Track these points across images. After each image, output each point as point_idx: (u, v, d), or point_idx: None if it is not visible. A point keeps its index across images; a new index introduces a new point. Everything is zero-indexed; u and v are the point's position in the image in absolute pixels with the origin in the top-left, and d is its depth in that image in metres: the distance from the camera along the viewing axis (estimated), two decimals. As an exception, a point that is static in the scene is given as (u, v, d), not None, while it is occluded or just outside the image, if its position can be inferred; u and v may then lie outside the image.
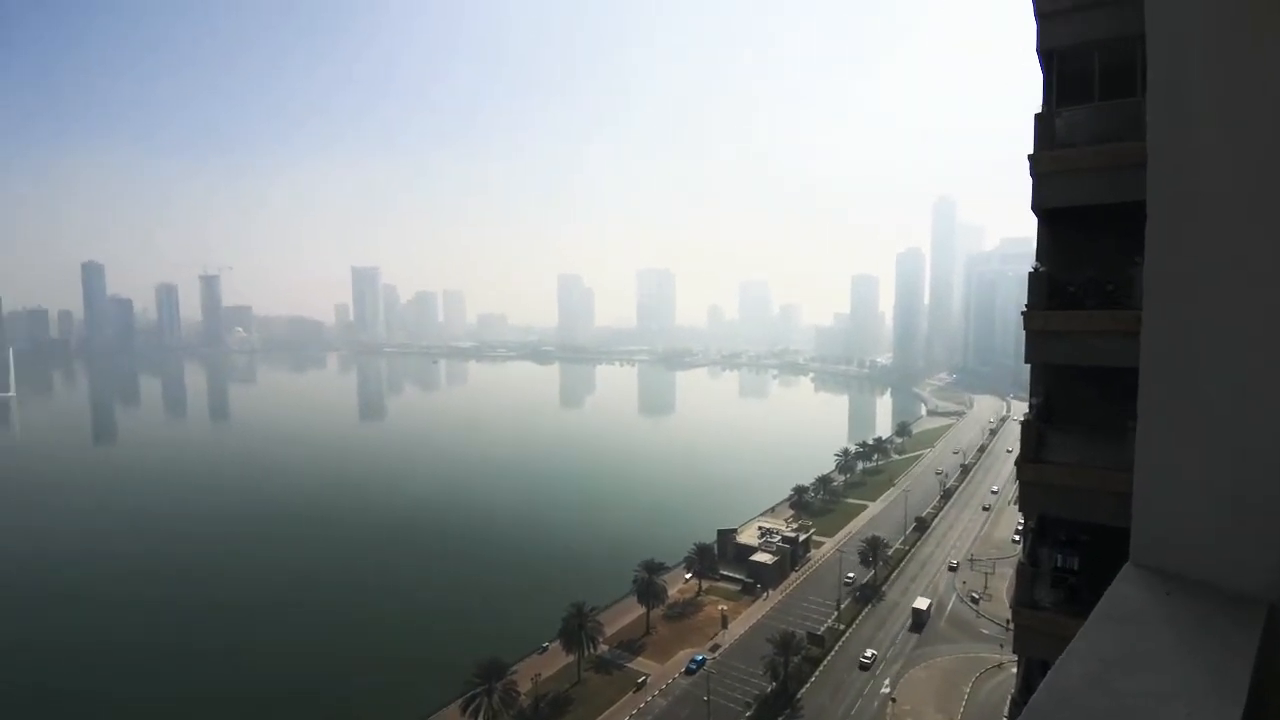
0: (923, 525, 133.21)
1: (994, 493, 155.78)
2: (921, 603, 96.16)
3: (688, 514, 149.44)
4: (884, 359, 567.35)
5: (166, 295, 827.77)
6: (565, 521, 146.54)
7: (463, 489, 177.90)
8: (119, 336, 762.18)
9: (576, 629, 79.39)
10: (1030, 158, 13.07)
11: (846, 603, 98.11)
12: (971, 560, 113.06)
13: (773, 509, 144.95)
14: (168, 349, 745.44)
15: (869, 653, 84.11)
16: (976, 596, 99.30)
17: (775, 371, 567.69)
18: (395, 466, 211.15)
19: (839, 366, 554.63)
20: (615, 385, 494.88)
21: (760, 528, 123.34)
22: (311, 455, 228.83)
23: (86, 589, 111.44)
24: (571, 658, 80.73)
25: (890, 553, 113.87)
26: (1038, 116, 12.97)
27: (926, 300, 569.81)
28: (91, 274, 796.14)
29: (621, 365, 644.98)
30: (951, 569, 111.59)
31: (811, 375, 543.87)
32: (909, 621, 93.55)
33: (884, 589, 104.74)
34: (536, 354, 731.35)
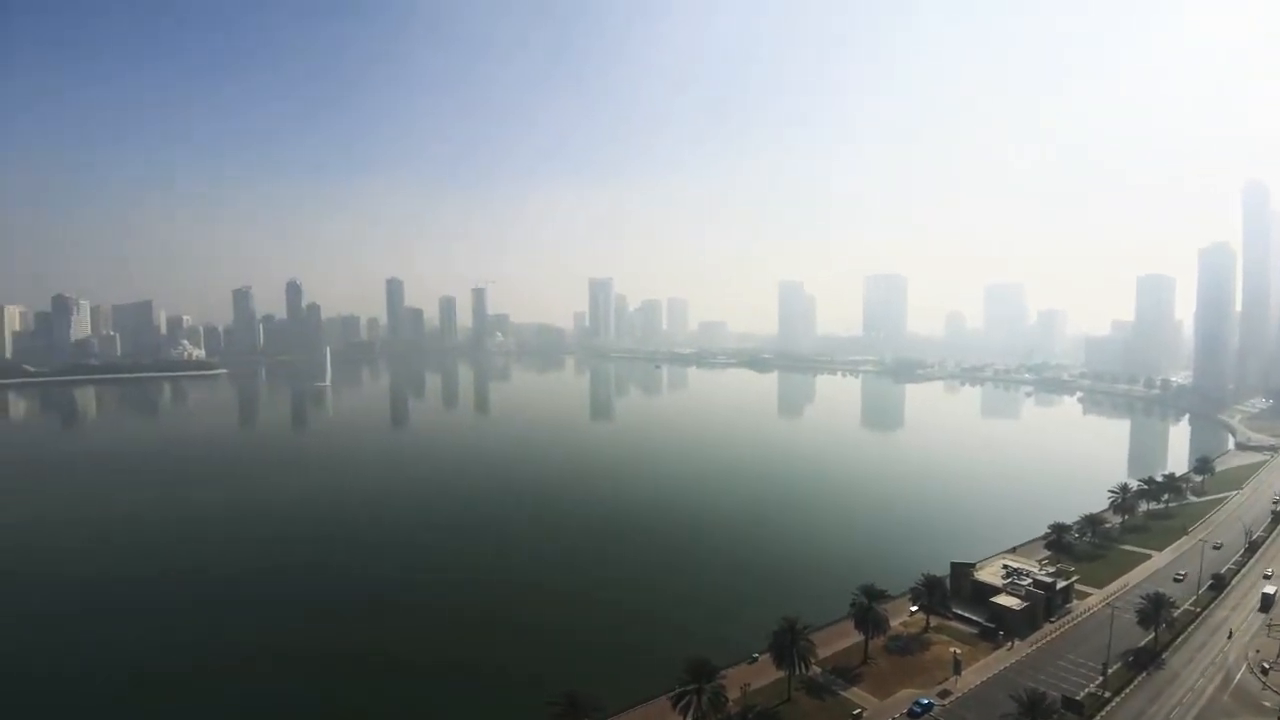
0: (1220, 583, 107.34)
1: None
2: (1269, 588, 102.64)
3: (914, 540, 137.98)
4: (1180, 378, 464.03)
5: (447, 306, 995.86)
6: (780, 533, 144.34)
7: (680, 488, 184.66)
8: (412, 339, 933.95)
9: (788, 645, 77.72)
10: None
11: (1116, 667, 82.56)
12: (1269, 626, 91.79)
13: (1015, 549, 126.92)
14: (447, 350, 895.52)
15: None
16: (1267, 666, 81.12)
17: (1029, 388, 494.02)
18: (620, 462, 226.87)
19: (1117, 385, 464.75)
20: (837, 396, 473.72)
21: (1005, 566, 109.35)
22: (551, 445, 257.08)
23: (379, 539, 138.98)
24: (781, 673, 79.29)
25: (1177, 614, 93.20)
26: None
27: (1238, 306, 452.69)
28: (394, 288, 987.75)
29: (844, 375, 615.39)
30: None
31: (1078, 394, 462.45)
32: (1257, 604, 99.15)
33: (1164, 656, 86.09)
34: (755, 361, 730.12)
